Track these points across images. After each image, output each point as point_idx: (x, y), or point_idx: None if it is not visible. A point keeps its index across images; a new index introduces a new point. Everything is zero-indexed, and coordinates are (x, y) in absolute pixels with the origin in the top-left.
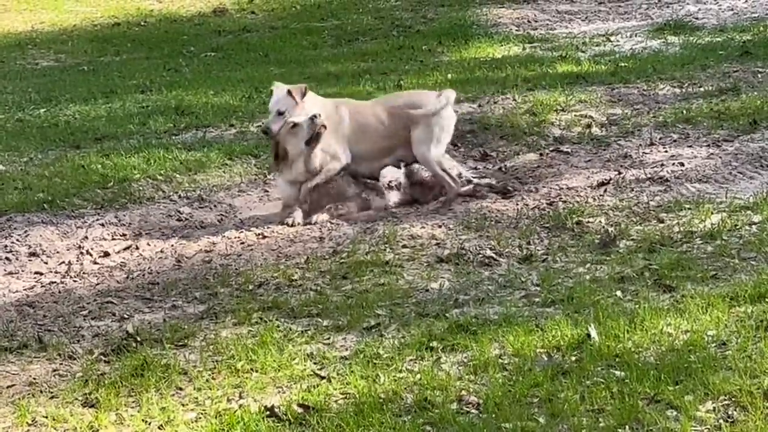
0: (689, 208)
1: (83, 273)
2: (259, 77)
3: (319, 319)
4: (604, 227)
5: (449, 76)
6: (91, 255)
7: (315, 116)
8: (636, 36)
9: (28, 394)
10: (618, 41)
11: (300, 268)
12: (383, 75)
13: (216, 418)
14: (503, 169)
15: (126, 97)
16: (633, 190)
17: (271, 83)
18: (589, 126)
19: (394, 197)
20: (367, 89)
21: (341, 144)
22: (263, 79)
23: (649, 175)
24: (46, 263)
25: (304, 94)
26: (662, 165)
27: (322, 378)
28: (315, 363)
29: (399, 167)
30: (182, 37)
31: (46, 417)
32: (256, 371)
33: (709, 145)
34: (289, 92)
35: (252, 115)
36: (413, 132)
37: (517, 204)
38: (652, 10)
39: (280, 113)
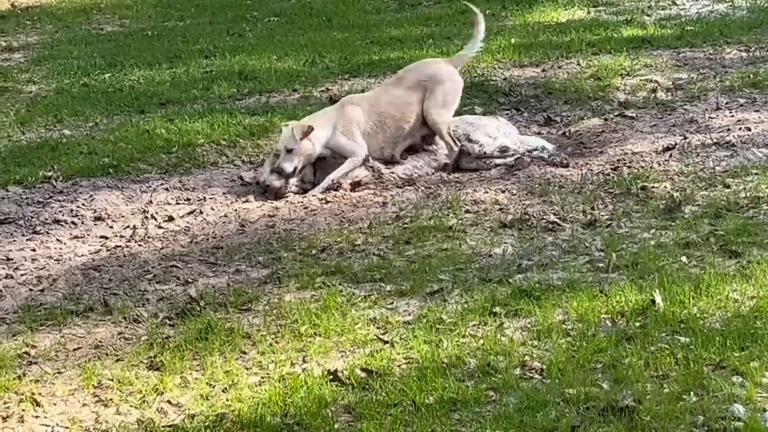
0: (756, 173)
1: (148, 237)
2: (321, 42)
3: (382, 284)
4: (669, 192)
5: (513, 40)
6: (155, 219)
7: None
8: None
9: (94, 356)
10: (684, 4)
11: (363, 233)
12: (446, 39)
13: (279, 381)
14: (567, 134)
15: (190, 62)
16: (699, 155)
17: (332, 48)
18: (654, 91)
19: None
20: (430, 54)
21: (356, 140)
22: (326, 44)
23: (715, 140)
24: (111, 227)
25: (306, 134)
26: (728, 130)
27: (385, 342)
28: (378, 328)
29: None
30: (246, 2)
31: (112, 380)
32: (320, 335)
33: None
34: (293, 131)
35: (315, 80)
36: (427, 99)
37: (582, 169)
38: None
39: (289, 150)
